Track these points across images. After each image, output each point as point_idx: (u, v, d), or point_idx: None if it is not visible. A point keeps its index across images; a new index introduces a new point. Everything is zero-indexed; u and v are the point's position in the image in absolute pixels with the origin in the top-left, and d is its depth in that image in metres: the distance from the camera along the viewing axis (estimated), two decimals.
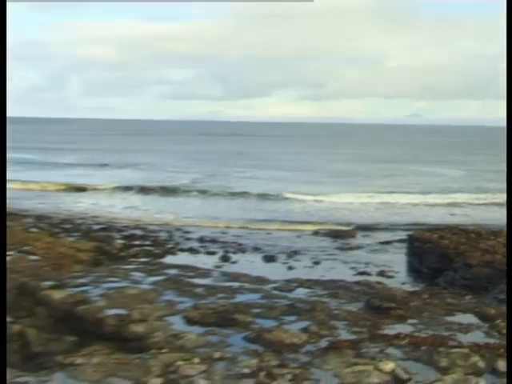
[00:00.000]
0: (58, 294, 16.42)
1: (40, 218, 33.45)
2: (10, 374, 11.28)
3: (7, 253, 23.22)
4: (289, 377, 11.00)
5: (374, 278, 21.02)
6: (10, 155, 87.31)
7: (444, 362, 11.01)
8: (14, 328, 13.90)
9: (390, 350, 12.30)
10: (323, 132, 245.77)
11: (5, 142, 9.67)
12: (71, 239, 26.89)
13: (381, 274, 22.06)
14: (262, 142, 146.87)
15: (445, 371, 10.63)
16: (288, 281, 19.83)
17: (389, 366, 11.06)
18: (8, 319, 14.87)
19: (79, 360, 11.98)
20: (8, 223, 30.30)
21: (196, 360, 11.76)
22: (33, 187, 50.35)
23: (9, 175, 59.55)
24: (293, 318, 15.49)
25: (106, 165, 74.92)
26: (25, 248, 24.29)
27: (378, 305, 16.32)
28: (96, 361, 11.88)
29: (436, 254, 24.66)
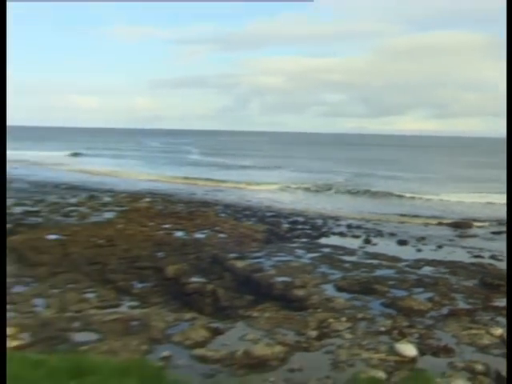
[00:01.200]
0: (240, 264, 16.91)
1: (227, 206, 34.35)
2: (204, 320, 11.73)
3: (203, 231, 24.18)
4: (416, 335, 10.84)
5: (486, 261, 20.05)
6: (208, 159, 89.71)
7: None
8: (207, 287, 14.40)
9: (499, 319, 11.85)
10: (447, 144, 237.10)
11: (5, 142, 8.81)
12: (249, 223, 27.45)
13: (492, 257, 20.99)
14: (397, 151, 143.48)
15: None
16: (417, 260, 19.41)
17: (498, 331, 10.69)
18: (203, 280, 15.45)
19: (255, 314, 12.28)
20: (203, 209, 31.47)
21: (343, 319, 11.79)
22: (223, 184, 51.61)
23: (207, 174, 61.47)
24: (420, 289, 15.18)
25: (277, 167, 75.75)
26: (215, 228, 25.11)
27: (490, 282, 15.72)
28: (267, 315, 12.14)
29: None
